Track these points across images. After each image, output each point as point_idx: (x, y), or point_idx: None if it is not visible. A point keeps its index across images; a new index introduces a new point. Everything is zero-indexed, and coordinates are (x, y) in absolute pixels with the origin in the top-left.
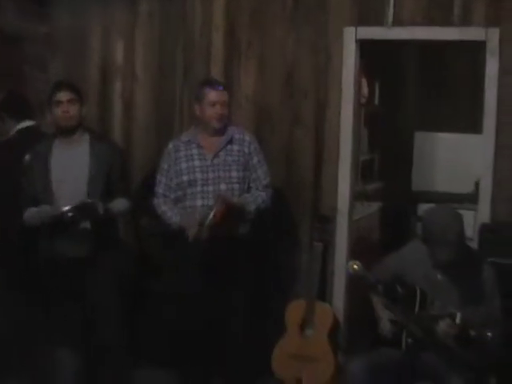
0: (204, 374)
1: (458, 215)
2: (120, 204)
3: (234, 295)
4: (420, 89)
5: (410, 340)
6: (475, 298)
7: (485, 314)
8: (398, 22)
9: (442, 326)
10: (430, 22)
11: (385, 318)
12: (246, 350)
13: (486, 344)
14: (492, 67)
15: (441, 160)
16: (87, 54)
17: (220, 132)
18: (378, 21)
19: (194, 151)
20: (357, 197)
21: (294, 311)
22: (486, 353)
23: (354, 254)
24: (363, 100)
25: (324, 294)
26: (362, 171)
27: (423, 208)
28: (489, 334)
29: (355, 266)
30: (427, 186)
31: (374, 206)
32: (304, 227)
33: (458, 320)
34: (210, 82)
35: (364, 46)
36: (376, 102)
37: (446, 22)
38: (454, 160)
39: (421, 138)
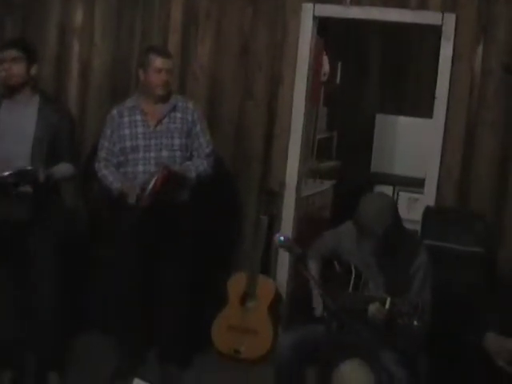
0: (141, 342)
1: (390, 206)
2: (64, 169)
3: (173, 264)
4: (383, 71)
5: (332, 316)
6: (406, 284)
7: (414, 303)
8: (356, 1)
9: (372, 309)
10: (388, 3)
11: (316, 292)
12: (185, 320)
13: (411, 332)
14: (446, 52)
15: (400, 143)
16: (46, 17)
17: (164, 99)
18: None
19: (138, 117)
20: (310, 173)
21: (236, 283)
22: (412, 341)
23: (300, 229)
24: (324, 78)
25: (268, 267)
26: (319, 149)
27: (380, 189)
28: (415, 323)
29: (281, 238)
30: (386, 169)
31: (327, 184)
32: (251, 200)
33: (387, 305)
34: (156, 49)
35: (327, 24)
36: (337, 80)
37: (404, 4)
38: (411, 144)
39: (381, 121)
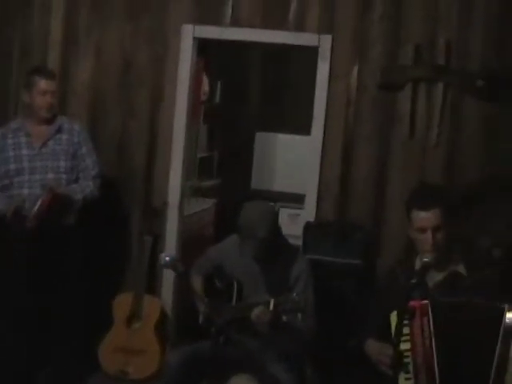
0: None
1: (271, 211)
2: None
3: (62, 286)
4: (262, 90)
5: (219, 332)
6: (289, 289)
7: (297, 300)
8: (235, 22)
9: (256, 312)
10: (267, 25)
11: (202, 309)
12: (74, 343)
13: (297, 329)
14: (323, 71)
15: (280, 161)
16: None
17: (49, 121)
18: (217, 20)
19: (22, 139)
20: (192, 192)
21: (122, 304)
22: (300, 339)
23: (185, 247)
24: (204, 97)
25: (153, 286)
26: (201, 168)
27: None
28: (299, 315)
29: (167, 258)
30: (266, 185)
31: (209, 202)
32: (135, 219)
33: (271, 307)
34: (41, 71)
35: (207, 44)
36: (217, 100)
37: (282, 26)
38: (291, 161)
39: (261, 138)
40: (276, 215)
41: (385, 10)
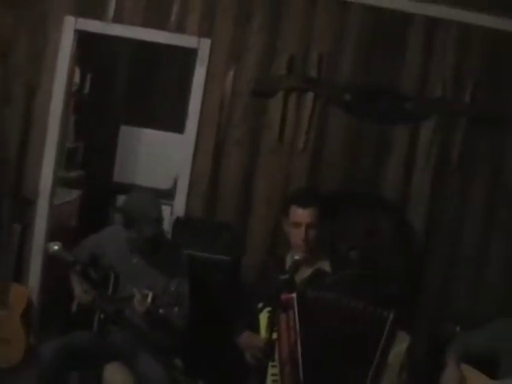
0: None
1: (156, 202)
2: None
3: None
4: (131, 85)
5: (99, 320)
6: (167, 282)
7: (175, 294)
8: (118, 19)
9: (134, 304)
10: (149, 24)
11: (80, 297)
12: None
13: (173, 321)
14: (200, 73)
15: (143, 155)
16: None
17: None
18: (100, 15)
19: None
20: (60, 183)
21: None
22: (174, 331)
23: (52, 237)
24: (74, 88)
25: (21, 275)
26: (67, 158)
27: (122, 199)
28: (175, 308)
29: (55, 247)
30: (128, 179)
31: (74, 194)
32: (5, 207)
33: (149, 299)
34: None
35: (82, 35)
36: (86, 91)
37: (164, 26)
38: (155, 156)
39: (126, 132)
40: (160, 207)
41: (264, 21)
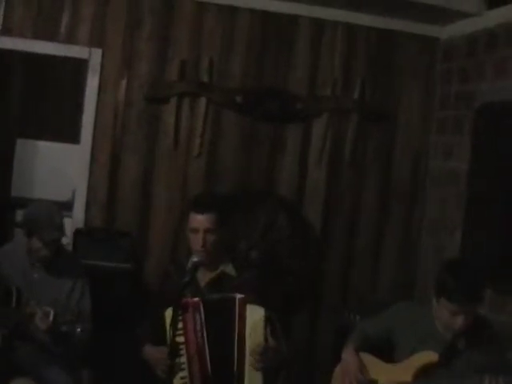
0: None
1: (59, 212)
2: None
3: None
4: (25, 98)
5: (2, 337)
6: (68, 296)
7: (76, 311)
8: (6, 31)
9: (36, 321)
10: (38, 35)
11: None
12: None
13: (75, 338)
14: (93, 84)
15: (41, 168)
16: None
17: None
18: None
19: None
20: None
21: None
22: (76, 346)
23: None
24: None
25: None
26: None
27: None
28: (78, 329)
29: None
30: (27, 193)
31: None
32: None
33: (50, 317)
34: None
35: None
36: None
37: (53, 37)
38: (53, 168)
39: (22, 145)
40: (62, 215)
41: (153, 29)
